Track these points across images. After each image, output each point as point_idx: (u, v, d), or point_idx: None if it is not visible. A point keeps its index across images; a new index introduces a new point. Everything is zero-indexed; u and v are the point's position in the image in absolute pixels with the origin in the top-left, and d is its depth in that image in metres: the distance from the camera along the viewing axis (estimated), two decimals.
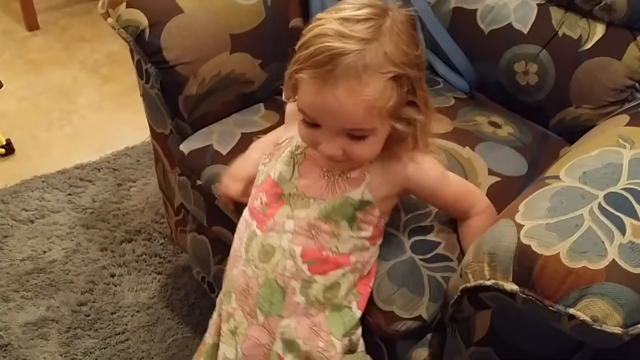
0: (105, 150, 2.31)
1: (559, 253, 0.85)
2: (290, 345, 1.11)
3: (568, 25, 1.46)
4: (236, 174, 1.29)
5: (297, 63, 1.00)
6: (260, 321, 1.12)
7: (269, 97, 1.54)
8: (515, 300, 0.88)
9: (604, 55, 1.42)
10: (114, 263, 1.89)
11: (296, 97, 1.04)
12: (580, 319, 0.81)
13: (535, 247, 0.87)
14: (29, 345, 1.68)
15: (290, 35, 1.50)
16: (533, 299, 0.85)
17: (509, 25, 1.52)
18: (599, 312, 0.81)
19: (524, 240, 0.88)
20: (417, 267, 1.14)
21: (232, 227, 1.24)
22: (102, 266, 1.89)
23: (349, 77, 0.95)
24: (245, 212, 1.20)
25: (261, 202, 1.15)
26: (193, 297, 1.80)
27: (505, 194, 1.21)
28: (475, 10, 1.58)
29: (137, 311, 1.77)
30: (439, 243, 1.18)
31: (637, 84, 1.40)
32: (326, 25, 0.98)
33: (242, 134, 1.43)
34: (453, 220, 1.21)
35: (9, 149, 2.31)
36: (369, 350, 1.18)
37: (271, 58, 1.50)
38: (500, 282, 0.89)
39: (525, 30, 1.50)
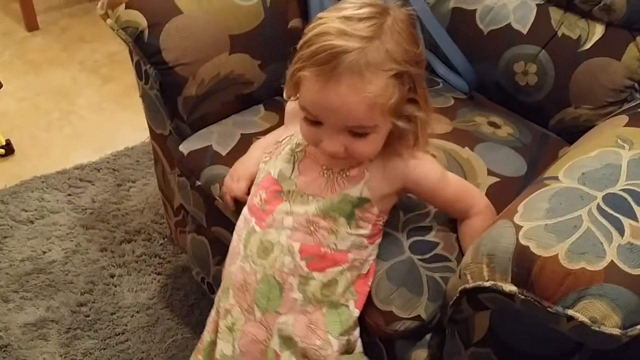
0: (105, 151, 2.31)
1: (557, 254, 0.85)
2: (287, 341, 1.11)
3: (567, 25, 1.46)
4: (238, 174, 1.29)
5: (299, 61, 1.01)
6: (258, 317, 1.12)
7: (269, 97, 1.55)
8: (513, 301, 0.88)
9: (603, 55, 1.42)
10: (114, 263, 1.90)
11: (298, 96, 1.05)
12: (579, 320, 0.81)
13: (533, 248, 0.87)
14: (29, 346, 1.68)
15: (289, 35, 1.51)
16: (531, 300, 0.85)
17: (508, 25, 1.52)
18: (597, 313, 0.81)
19: (523, 242, 0.88)
20: (416, 267, 1.14)
21: (231, 228, 1.24)
22: (101, 267, 1.89)
23: (352, 74, 0.96)
24: (245, 210, 1.20)
25: (260, 199, 1.16)
26: (193, 298, 1.80)
27: (504, 195, 1.21)
28: (475, 10, 1.58)
29: (137, 312, 1.77)
30: (438, 243, 1.18)
31: (636, 84, 1.40)
32: (328, 24, 0.99)
33: (241, 134, 1.43)
34: (452, 220, 1.21)
35: (9, 149, 2.31)
36: (368, 351, 1.19)
37: (270, 59, 1.50)
38: (499, 283, 0.89)
39: (525, 31, 1.50)
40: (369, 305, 1.13)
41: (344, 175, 1.11)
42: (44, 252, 1.93)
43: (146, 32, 1.36)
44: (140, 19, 1.36)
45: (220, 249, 1.46)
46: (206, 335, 1.23)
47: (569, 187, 0.96)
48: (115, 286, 1.83)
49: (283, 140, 1.21)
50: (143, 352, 1.67)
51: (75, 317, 1.75)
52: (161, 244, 1.96)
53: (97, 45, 2.92)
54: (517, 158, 1.37)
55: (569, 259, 0.84)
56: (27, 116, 2.51)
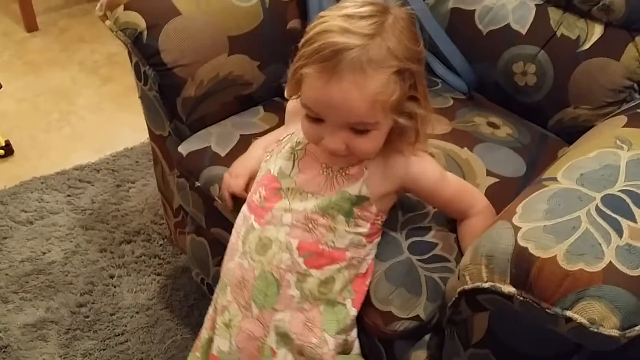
0: (104, 151, 2.31)
1: (556, 255, 0.85)
2: (284, 338, 1.11)
3: (566, 25, 1.46)
4: (236, 171, 1.30)
5: (301, 59, 1.02)
6: (255, 314, 1.12)
7: (268, 98, 1.55)
8: (512, 302, 0.88)
9: (602, 55, 1.42)
10: (113, 264, 1.90)
11: (299, 94, 1.06)
12: (577, 321, 0.81)
13: (532, 250, 0.87)
14: (28, 347, 1.68)
15: (288, 36, 1.51)
16: (530, 301, 0.85)
17: (507, 25, 1.52)
18: (596, 314, 0.81)
19: (521, 243, 0.88)
20: (415, 268, 1.14)
21: (230, 229, 1.24)
22: (101, 267, 1.89)
23: (354, 71, 0.97)
24: (244, 207, 1.21)
25: (260, 196, 1.16)
26: (192, 298, 1.80)
27: (503, 195, 1.21)
28: (474, 10, 1.58)
29: (137, 312, 1.77)
30: (437, 244, 1.18)
31: (635, 85, 1.40)
32: (330, 22, 1.00)
33: (240, 135, 1.43)
34: (451, 220, 1.21)
35: (8, 150, 2.31)
36: (367, 352, 1.19)
37: (269, 60, 1.50)
38: (498, 285, 0.89)
39: (524, 31, 1.50)
40: (367, 305, 1.13)
41: (344, 174, 1.11)
42: (44, 253, 1.93)
43: (145, 33, 1.36)
44: (139, 20, 1.36)
45: (220, 250, 1.45)
46: (204, 332, 1.23)
47: (567, 188, 0.96)
48: (115, 287, 1.83)
49: (284, 138, 1.21)
50: (143, 353, 1.67)
51: (75, 318, 1.75)
52: (161, 245, 1.96)
53: (96, 45, 2.92)
54: (516, 158, 1.37)
55: (567, 260, 0.84)
56: (27, 117, 2.51)
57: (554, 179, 1.00)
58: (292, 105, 1.24)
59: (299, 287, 1.10)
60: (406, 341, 1.16)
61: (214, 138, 1.43)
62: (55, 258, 1.91)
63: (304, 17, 1.54)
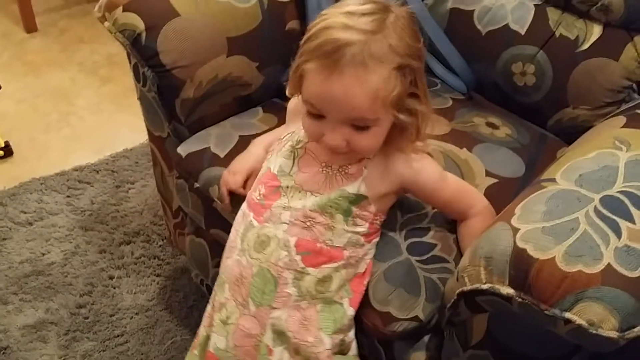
0: (103, 152, 2.31)
1: (554, 257, 0.85)
2: (280, 336, 1.11)
3: (565, 25, 1.46)
4: (235, 168, 1.31)
5: (303, 55, 1.03)
6: (252, 311, 1.12)
7: (267, 99, 1.55)
8: (511, 304, 0.88)
9: (601, 56, 1.42)
10: (113, 265, 1.90)
11: (300, 92, 1.06)
12: (576, 323, 0.81)
13: (531, 251, 0.87)
14: (28, 348, 1.68)
15: (287, 37, 1.51)
16: (529, 303, 0.85)
17: (506, 26, 1.52)
18: (594, 316, 0.81)
19: (520, 244, 0.88)
20: (414, 269, 1.14)
21: (229, 230, 1.24)
22: (100, 268, 1.89)
23: (355, 65, 0.98)
24: (244, 205, 1.21)
25: (259, 194, 1.17)
26: (192, 299, 1.80)
27: (502, 196, 1.21)
28: (473, 11, 1.58)
29: (136, 313, 1.77)
30: (436, 245, 1.18)
31: (634, 85, 1.40)
32: (332, 18, 1.01)
33: (239, 136, 1.43)
34: (450, 221, 1.21)
35: (8, 151, 2.31)
36: (366, 353, 1.19)
37: (268, 61, 1.50)
38: (497, 286, 0.89)
39: (523, 31, 1.50)
40: (366, 306, 1.13)
41: (343, 173, 1.12)
42: (43, 254, 1.93)
43: (143, 34, 1.36)
44: (137, 22, 1.36)
45: (219, 251, 1.45)
46: (202, 330, 1.23)
47: (566, 189, 0.96)
48: (115, 288, 1.83)
49: (284, 137, 1.22)
50: (142, 354, 1.67)
51: (75, 319, 1.75)
52: (160, 246, 1.96)
53: (95, 46, 2.92)
54: (515, 159, 1.37)
55: (566, 262, 0.84)
56: (26, 118, 2.51)
57: (553, 180, 1.00)
58: (293, 104, 1.25)
59: (296, 285, 1.10)
60: (405, 342, 1.16)
61: (213, 139, 1.43)
62: (54, 259, 1.91)
63: (303, 18, 1.54)
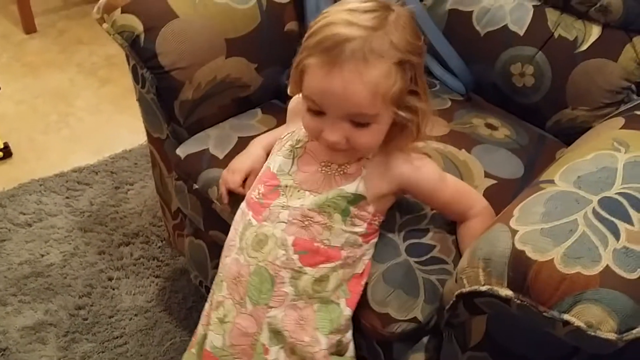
0: (103, 153, 2.31)
1: (553, 259, 0.85)
2: (276, 335, 1.11)
3: (564, 26, 1.46)
4: (234, 167, 1.31)
5: (304, 50, 1.04)
6: (249, 310, 1.13)
7: (266, 101, 1.55)
8: (510, 305, 0.88)
9: (599, 56, 1.42)
10: (112, 266, 1.89)
11: (301, 89, 1.07)
12: (575, 324, 0.81)
13: (529, 253, 0.87)
14: (27, 350, 1.68)
15: (285, 39, 1.51)
16: (527, 304, 0.85)
17: (505, 27, 1.52)
18: (593, 318, 0.81)
19: (519, 246, 0.88)
20: (412, 270, 1.14)
21: (228, 232, 1.24)
22: (99, 270, 1.89)
23: (356, 60, 0.98)
24: (243, 203, 1.21)
25: (258, 193, 1.17)
26: (191, 301, 1.80)
27: (501, 197, 1.21)
28: (471, 12, 1.58)
29: (135, 315, 1.77)
30: (434, 246, 1.18)
31: (633, 86, 1.40)
32: (333, 15, 1.02)
33: (238, 138, 1.43)
34: (449, 223, 1.21)
35: (7, 152, 2.31)
36: (365, 355, 1.19)
37: (267, 62, 1.50)
38: (495, 288, 0.89)
39: (521, 32, 1.50)
40: (365, 307, 1.13)
41: (342, 172, 1.12)
42: (42, 256, 1.93)
43: (142, 36, 1.36)
44: (136, 24, 1.36)
45: (218, 252, 1.45)
46: (200, 329, 1.23)
47: (564, 191, 0.96)
48: (114, 289, 1.83)
49: (285, 136, 1.22)
50: (141, 355, 1.67)
51: (74, 321, 1.75)
52: (159, 247, 1.96)
53: (94, 47, 2.91)
54: (514, 160, 1.37)
55: (564, 264, 0.84)
56: (25, 119, 2.51)
57: (551, 182, 1.00)
58: (294, 104, 1.25)
59: (293, 284, 1.10)
60: (404, 343, 1.16)
61: (212, 140, 1.43)
62: (53, 260, 1.91)
63: (302, 19, 1.54)
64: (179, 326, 1.74)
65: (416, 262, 1.15)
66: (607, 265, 0.83)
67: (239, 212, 1.22)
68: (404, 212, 1.22)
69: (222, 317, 1.16)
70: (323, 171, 1.13)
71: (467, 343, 1.03)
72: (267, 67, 1.51)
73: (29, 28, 3.00)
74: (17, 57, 2.86)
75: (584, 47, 1.43)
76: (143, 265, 1.90)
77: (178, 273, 1.88)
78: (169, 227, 1.79)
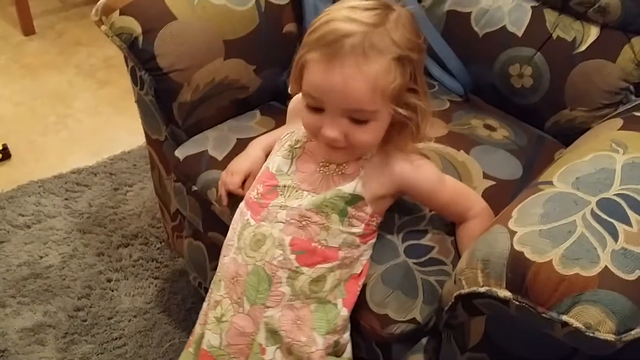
0: (101, 155, 2.31)
1: (551, 260, 0.85)
2: (273, 335, 1.11)
3: (562, 27, 1.46)
4: (233, 168, 1.31)
5: (305, 46, 1.04)
6: (246, 310, 1.13)
7: (264, 102, 1.55)
8: (508, 307, 0.88)
9: (598, 57, 1.42)
10: (111, 268, 1.89)
11: (301, 86, 1.07)
12: (573, 326, 0.81)
13: (528, 254, 0.87)
14: (26, 351, 1.68)
15: (284, 40, 1.51)
16: (526, 305, 0.85)
17: (503, 28, 1.52)
18: (591, 319, 0.81)
19: (517, 247, 0.88)
20: (411, 271, 1.14)
21: (227, 233, 1.24)
22: (98, 271, 1.88)
23: (356, 54, 0.99)
24: (242, 203, 1.22)
25: (257, 193, 1.17)
26: (190, 302, 1.80)
27: (500, 198, 1.22)
28: (470, 13, 1.58)
29: (134, 316, 1.77)
30: (433, 247, 1.18)
31: (631, 86, 1.40)
32: (335, 12, 1.03)
33: (237, 139, 1.43)
34: (447, 224, 1.21)
35: (5, 153, 2.30)
36: (364, 356, 1.19)
37: (265, 64, 1.50)
38: (494, 289, 0.89)
39: (520, 33, 1.50)
40: (364, 308, 1.13)
41: (340, 173, 1.12)
42: (41, 257, 1.93)
43: (140, 38, 1.36)
44: (134, 25, 1.36)
45: (217, 254, 1.45)
46: (197, 328, 1.23)
47: (563, 192, 0.96)
48: (113, 290, 1.83)
49: (284, 136, 1.23)
50: (140, 357, 1.67)
51: (73, 322, 1.75)
52: (158, 248, 1.96)
53: (93, 49, 2.91)
54: (512, 161, 1.37)
55: (563, 265, 0.84)
56: (24, 120, 2.51)
57: (550, 183, 1.00)
58: (294, 104, 1.26)
59: (290, 284, 1.11)
60: (403, 344, 1.16)
61: (211, 142, 1.43)
62: (52, 262, 1.91)
63: (300, 21, 1.54)
64: (178, 327, 1.74)
65: (415, 263, 1.15)
66: (606, 267, 0.83)
67: (237, 211, 1.22)
68: (403, 213, 1.22)
69: (219, 316, 1.16)
70: (321, 171, 1.13)
71: (466, 344, 1.03)
72: (266, 69, 1.51)
73: (28, 30, 2.99)
74: (15, 59, 2.86)
75: (583, 48, 1.44)
76: (142, 266, 1.90)
77: (177, 274, 1.88)
78: (167, 228, 1.79)
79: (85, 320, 1.75)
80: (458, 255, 1.17)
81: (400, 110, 1.05)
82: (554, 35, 1.47)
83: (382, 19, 1.01)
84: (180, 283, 1.85)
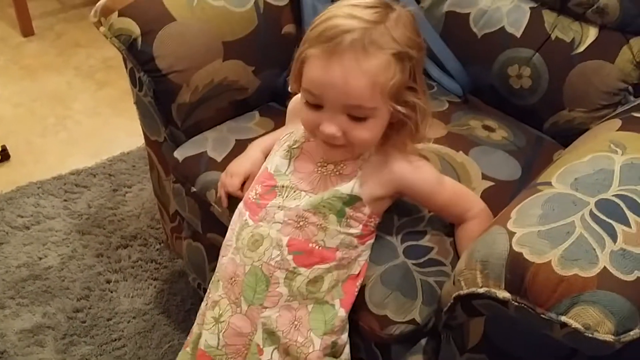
0: (100, 156, 2.31)
1: (550, 261, 0.85)
2: (270, 336, 1.12)
3: (561, 28, 1.47)
4: (232, 170, 1.31)
5: (306, 42, 1.05)
6: (244, 310, 1.13)
7: (263, 103, 1.55)
8: (507, 308, 0.88)
9: (596, 58, 1.42)
10: (110, 269, 1.89)
11: (301, 83, 1.07)
12: (572, 326, 0.81)
13: (527, 255, 0.87)
14: (25, 353, 1.67)
15: (283, 41, 1.51)
16: (525, 306, 0.85)
17: (502, 29, 1.52)
18: (590, 319, 0.81)
19: (516, 248, 0.88)
20: (410, 272, 1.14)
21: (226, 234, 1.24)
22: (97, 272, 1.88)
23: (356, 49, 0.99)
24: (240, 204, 1.22)
25: (255, 193, 1.18)
26: (189, 303, 1.80)
27: (499, 199, 1.22)
28: (468, 14, 1.58)
29: (133, 317, 1.77)
30: (432, 248, 1.18)
31: (630, 87, 1.40)
32: (335, 10, 1.03)
33: (236, 140, 1.43)
34: (446, 225, 1.21)
35: (4, 155, 2.30)
36: (363, 357, 1.19)
37: (264, 65, 1.50)
38: (493, 290, 0.89)
39: (518, 34, 1.50)
40: (363, 309, 1.13)
41: (338, 173, 1.12)
42: (40, 258, 1.92)
43: (139, 39, 1.36)
44: (133, 27, 1.36)
45: (216, 255, 1.45)
46: (195, 328, 1.23)
47: (561, 193, 0.96)
48: (112, 292, 1.83)
49: (283, 137, 1.23)
50: (139, 358, 1.67)
51: (72, 323, 1.74)
52: (157, 249, 1.96)
53: (92, 50, 2.91)
54: (511, 162, 1.37)
55: (562, 266, 0.84)
56: (23, 121, 2.51)
57: (549, 184, 1.00)
58: (293, 104, 1.26)
59: (287, 284, 1.11)
60: (402, 345, 1.16)
61: (210, 143, 1.43)
62: (51, 263, 1.91)
63: (299, 22, 1.54)
64: (177, 329, 1.74)
65: (414, 264, 1.15)
66: (605, 267, 0.84)
67: (236, 212, 1.22)
68: (402, 214, 1.22)
69: (217, 316, 1.16)
70: (319, 171, 1.13)
71: (465, 345, 1.03)
72: (265, 70, 1.51)
73: (27, 31, 2.99)
74: (14, 60, 2.86)
75: (581, 48, 1.44)
76: (141, 267, 1.90)
77: (176, 275, 1.88)
78: (167, 229, 1.79)
79: (84, 322, 1.75)
80: (457, 256, 1.17)
81: (399, 108, 1.05)
82: (553, 36, 1.47)
83: (383, 17, 1.02)
84: (180, 284, 1.85)
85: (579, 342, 0.83)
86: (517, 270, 0.87)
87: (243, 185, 1.28)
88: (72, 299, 1.81)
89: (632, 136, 1.10)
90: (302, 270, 1.10)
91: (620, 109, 1.36)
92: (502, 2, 1.54)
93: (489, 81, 1.56)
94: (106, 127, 2.50)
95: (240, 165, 1.30)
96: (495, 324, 0.98)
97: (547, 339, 0.88)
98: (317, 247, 1.10)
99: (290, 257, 1.10)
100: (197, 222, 1.49)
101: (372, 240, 1.16)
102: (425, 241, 1.19)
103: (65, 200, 2.12)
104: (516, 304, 0.86)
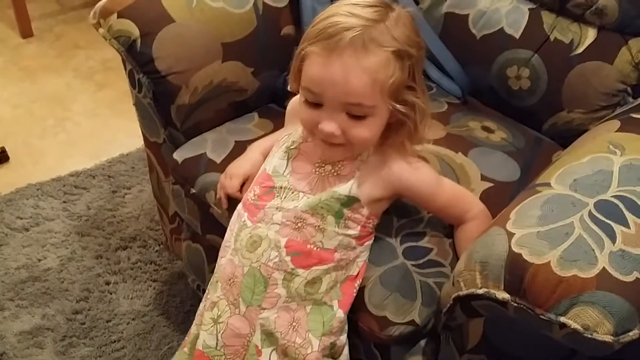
0: (100, 157, 2.31)
1: (549, 261, 0.85)
2: (269, 337, 1.12)
3: (560, 29, 1.47)
4: (232, 172, 1.31)
5: (306, 40, 1.05)
6: (242, 311, 1.13)
7: (262, 105, 1.55)
8: (507, 308, 0.88)
9: (595, 59, 1.42)
10: (109, 271, 1.89)
11: (301, 82, 1.07)
12: (572, 327, 0.81)
13: (526, 256, 0.87)
14: (24, 354, 1.67)
15: (282, 43, 1.51)
16: (524, 307, 0.86)
17: (501, 30, 1.52)
18: (589, 320, 0.81)
19: (515, 249, 0.89)
20: (409, 273, 1.14)
21: None
22: (97, 274, 1.88)
23: (355, 47, 1.00)
24: (239, 205, 1.22)
25: (254, 194, 1.18)
26: (189, 304, 1.80)
27: (498, 200, 1.22)
28: (467, 15, 1.58)
29: (133, 319, 1.76)
30: (431, 249, 1.18)
31: (628, 88, 1.40)
32: (335, 9, 1.04)
33: (235, 142, 1.43)
34: (446, 226, 1.21)
35: (3, 156, 2.30)
36: (362, 357, 1.19)
37: (263, 66, 1.50)
38: (492, 291, 0.89)
39: (517, 35, 1.50)
40: (362, 310, 1.13)
41: (336, 174, 1.12)
42: (39, 260, 1.92)
43: (138, 41, 1.36)
44: (132, 28, 1.36)
45: (215, 256, 1.45)
46: (193, 329, 1.23)
47: (560, 194, 0.97)
48: (111, 293, 1.83)
49: (282, 138, 1.23)
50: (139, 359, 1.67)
51: (71, 325, 1.74)
52: (157, 251, 1.96)
53: (91, 51, 2.91)
54: (510, 163, 1.37)
55: (561, 266, 0.84)
56: (22, 123, 2.51)
57: (548, 185, 1.00)
58: (292, 105, 1.26)
59: (285, 285, 1.11)
60: (402, 346, 1.16)
61: (209, 145, 1.43)
62: (50, 265, 1.91)
63: (298, 24, 1.54)
64: (176, 330, 1.74)
65: (413, 265, 1.15)
66: (604, 268, 0.84)
67: (235, 213, 1.22)
68: (401, 216, 1.22)
69: (215, 317, 1.16)
70: (317, 172, 1.14)
71: (464, 346, 1.03)
72: (264, 71, 1.51)
73: (26, 32, 2.99)
74: (13, 61, 2.86)
75: (580, 50, 1.44)
76: (140, 269, 1.90)
77: (176, 277, 1.88)
78: (166, 231, 1.79)
79: (83, 323, 1.75)
80: (456, 257, 1.17)
81: (398, 106, 1.05)
82: (552, 37, 1.47)
83: (383, 16, 1.03)
84: (179, 286, 1.85)
85: (578, 343, 0.83)
86: (516, 271, 0.87)
87: (242, 186, 1.28)
88: (71, 300, 1.81)
89: (630, 137, 1.10)
90: (300, 271, 1.10)
91: (619, 110, 1.36)
92: (501, 3, 1.54)
93: (488, 82, 1.56)
94: (105, 129, 2.49)
95: (239, 167, 1.30)
96: (494, 325, 0.98)
97: (546, 340, 0.88)
98: (315, 248, 1.11)
99: (288, 259, 1.10)
100: (196, 223, 1.49)
101: (370, 242, 1.16)
102: (424, 242, 1.19)
103: (64, 202, 2.12)
104: (515, 304, 0.86)
